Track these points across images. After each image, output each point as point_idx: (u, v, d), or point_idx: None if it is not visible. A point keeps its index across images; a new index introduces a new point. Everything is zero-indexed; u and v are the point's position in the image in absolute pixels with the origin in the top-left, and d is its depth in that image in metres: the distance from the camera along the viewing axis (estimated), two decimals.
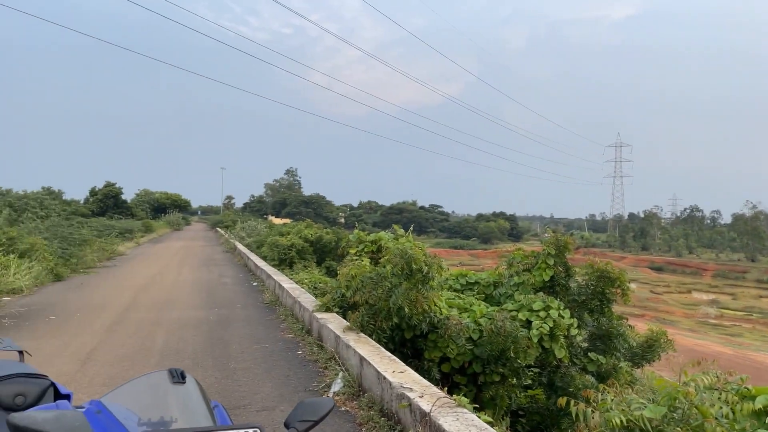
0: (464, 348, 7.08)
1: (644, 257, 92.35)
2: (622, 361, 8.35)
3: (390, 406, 4.83)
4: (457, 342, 7.01)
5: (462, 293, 8.98)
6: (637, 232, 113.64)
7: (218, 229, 56.66)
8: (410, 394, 4.45)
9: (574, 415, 2.94)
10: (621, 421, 2.58)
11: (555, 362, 7.69)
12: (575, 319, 7.35)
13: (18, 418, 1.43)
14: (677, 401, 2.67)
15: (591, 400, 2.93)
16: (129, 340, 8.26)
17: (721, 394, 3.27)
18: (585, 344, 8.27)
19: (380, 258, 8.65)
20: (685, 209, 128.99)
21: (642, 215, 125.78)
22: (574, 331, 7.29)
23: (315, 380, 6.27)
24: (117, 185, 65.89)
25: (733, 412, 3.21)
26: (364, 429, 4.79)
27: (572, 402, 3.06)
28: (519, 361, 6.96)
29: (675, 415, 2.60)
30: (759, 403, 3.32)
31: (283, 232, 24.15)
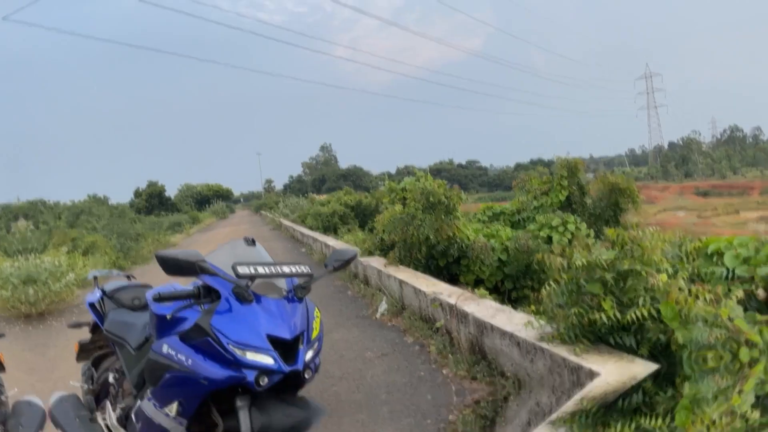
0: (493, 268, 7.90)
1: (688, 184, 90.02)
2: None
3: (427, 312, 5.72)
4: (486, 263, 7.83)
5: (490, 224, 9.76)
6: (678, 160, 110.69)
7: (262, 212, 58.61)
8: (440, 297, 5.32)
9: (547, 264, 3.74)
10: (582, 263, 3.36)
11: None
12: (592, 230, 8.06)
13: (162, 251, 2.31)
14: (628, 245, 3.43)
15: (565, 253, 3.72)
16: None
17: (677, 244, 4.01)
18: None
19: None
20: (725, 130, 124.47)
21: (681, 143, 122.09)
22: (591, 241, 7.98)
23: (364, 310, 7.22)
24: (159, 183, 68.40)
25: (687, 257, 3.95)
26: (407, 334, 5.72)
27: (545, 255, 3.86)
28: (544, 273, 7.73)
29: (625, 253, 3.37)
30: (710, 249, 4.05)
31: (323, 202, 25.26)
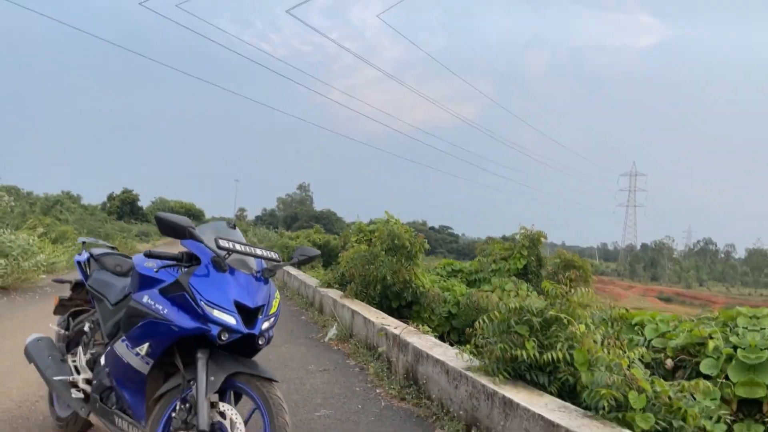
0: (443, 318, 8.26)
1: (653, 287, 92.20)
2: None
3: (372, 341, 6.03)
4: (436, 312, 8.19)
5: (447, 279, 10.17)
6: (647, 262, 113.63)
7: None
8: (387, 328, 5.66)
9: (484, 304, 4.16)
10: (515, 306, 3.76)
11: None
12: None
13: (161, 213, 2.65)
14: (559, 299, 3.86)
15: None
16: None
17: (607, 311, 4.45)
18: None
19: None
20: (698, 241, 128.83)
21: (654, 246, 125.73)
22: (526, 293, 8.46)
23: (314, 333, 7.48)
24: (134, 192, 67.72)
25: (612, 323, 4.39)
26: (350, 357, 6.00)
27: (485, 295, 4.27)
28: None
29: (555, 305, 3.79)
30: (635, 320, 4.51)
31: (292, 236, 25.47)
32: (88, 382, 3.21)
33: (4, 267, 9.56)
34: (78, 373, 3.28)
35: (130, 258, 3.78)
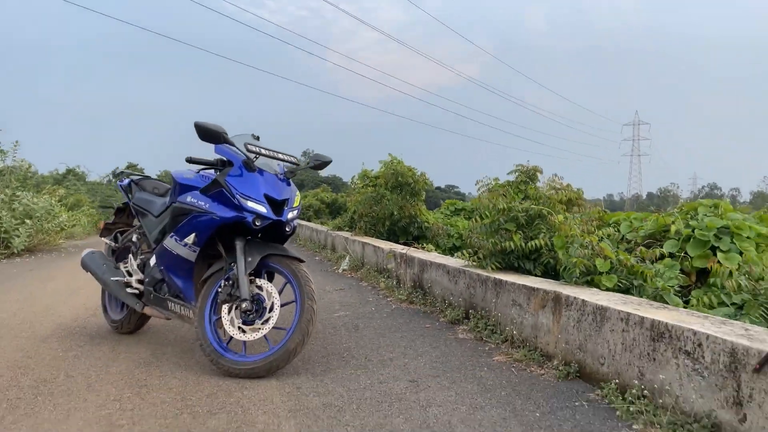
0: (447, 249, 8.82)
1: None
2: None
3: (382, 265, 6.60)
4: (441, 245, 8.75)
5: (451, 217, 10.72)
6: (653, 211, 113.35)
7: None
8: (395, 249, 6.22)
9: (478, 204, 4.70)
10: (503, 207, 4.30)
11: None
12: None
13: (199, 121, 3.17)
14: (542, 199, 4.40)
15: None
16: None
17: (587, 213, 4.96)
18: None
19: None
20: (703, 187, 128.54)
21: (659, 194, 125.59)
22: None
23: (328, 267, 8.07)
24: (139, 166, 68.00)
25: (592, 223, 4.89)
26: (363, 280, 6.59)
27: (480, 197, 4.81)
28: None
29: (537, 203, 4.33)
30: (612, 220, 5.03)
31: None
32: (140, 282, 3.79)
33: (30, 228, 10.16)
34: (131, 275, 3.86)
35: (164, 182, 4.34)
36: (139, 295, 3.78)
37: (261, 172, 3.26)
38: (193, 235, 3.23)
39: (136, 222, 4.46)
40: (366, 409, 2.57)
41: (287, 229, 3.31)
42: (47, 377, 3.08)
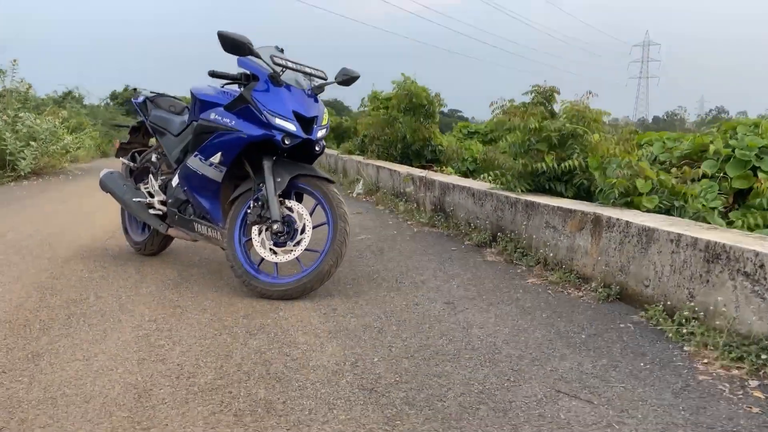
0: (462, 173, 8.68)
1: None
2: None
3: (398, 189, 6.49)
4: (455, 168, 8.60)
5: (464, 140, 10.51)
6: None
7: None
8: (413, 173, 6.08)
9: (509, 125, 4.54)
10: (535, 126, 4.12)
11: None
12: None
13: (223, 30, 2.96)
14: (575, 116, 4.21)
15: None
16: None
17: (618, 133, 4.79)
18: None
19: None
20: (710, 110, 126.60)
21: (666, 118, 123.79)
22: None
23: (341, 192, 7.96)
24: (137, 89, 66.65)
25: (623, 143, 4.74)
26: (380, 204, 6.51)
27: (508, 116, 4.64)
28: None
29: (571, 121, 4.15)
30: (644, 140, 4.86)
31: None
32: (162, 203, 3.69)
33: (35, 150, 9.98)
34: (152, 196, 3.75)
35: (181, 100, 4.15)
36: (162, 216, 3.69)
37: (288, 87, 3.07)
38: (219, 155, 3.08)
39: (153, 141, 4.31)
40: (407, 330, 2.52)
41: (317, 149, 3.16)
42: (76, 298, 3.03)
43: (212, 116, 3.12)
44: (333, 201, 3.02)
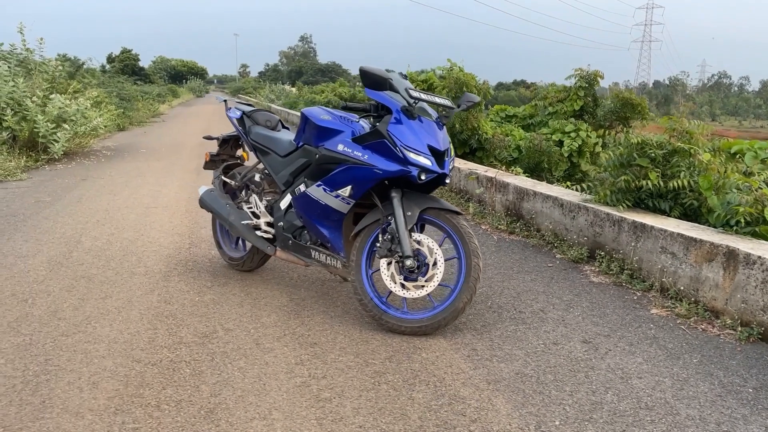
0: (507, 162, 8.60)
1: (663, 126, 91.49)
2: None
3: (459, 185, 6.42)
4: (500, 157, 8.52)
5: (502, 125, 10.38)
6: (660, 99, 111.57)
7: (241, 95, 57.65)
8: (476, 171, 6.01)
9: (610, 140, 4.45)
10: (637, 141, 4.04)
11: (580, 175, 9.24)
12: (600, 138, 8.78)
13: (365, 66, 2.87)
14: (678, 131, 4.12)
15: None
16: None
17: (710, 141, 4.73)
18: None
19: None
20: (712, 75, 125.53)
21: (668, 82, 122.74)
22: (598, 149, 8.75)
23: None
24: (133, 52, 65.61)
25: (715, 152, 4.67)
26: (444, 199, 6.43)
27: (613, 133, 4.56)
28: (552, 172, 8.50)
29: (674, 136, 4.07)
30: (734, 149, 4.78)
31: (315, 91, 25.22)
32: (268, 224, 3.63)
33: (69, 132, 9.83)
34: (257, 217, 3.69)
35: (273, 114, 4.05)
36: (268, 238, 3.64)
37: (420, 118, 2.98)
38: (348, 188, 3.02)
39: (242, 157, 4.22)
40: (567, 383, 2.51)
41: (446, 181, 3.09)
42: (204, 330, 3.01)
43: (340, 148, 3.04)
44: (464, 235, 2.96)
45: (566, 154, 8.43)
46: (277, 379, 2.51)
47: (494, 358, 2.73)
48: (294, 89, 35.32)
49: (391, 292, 3.04)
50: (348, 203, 3.07)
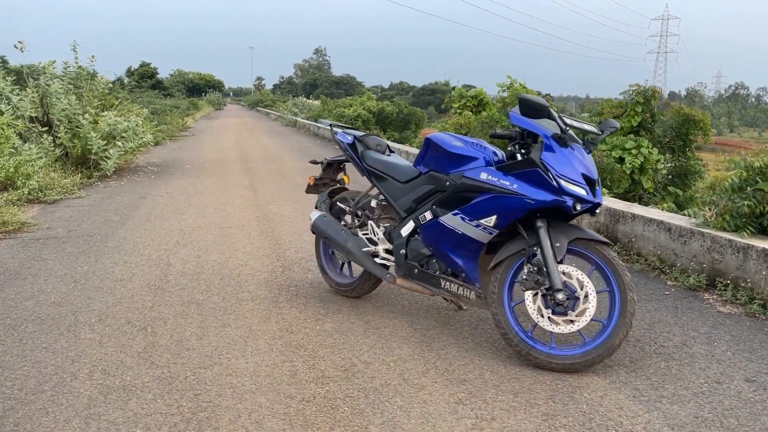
0: None
1: None
2: (697, 194, 9.69)
3: None
4: None
5: None
6: None
7: (259, 108, 58.01)
8: None
9: (731, 164, 4.30)
10: (760, 164, 3.91)
11: (641, 192, 9.09)
12: (662, 156, 8.63)
13: (524, 95, 2.79)
14: None
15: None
16: (271, 183, 9.86)
17: None
18: (665, 180, 9.61)
19: (480, 111, 9.88)
20: (729, 86, 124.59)
21: (685, 93, 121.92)
22: (660, 166, 8.61)
23: None
24: (152, 65, 66.40)
25: None
26: None
27: (733, 159, 4.40)
28: (613, 189, 8.35)
29: None
30: None
31: (343, 104, 25.25)
32: (387, 251, 3.54)
33: (120, 149, 9.87)
34: (374, 244, 3.60)
35: (382, 139, 3.98)
36: (386, 265, 3.54)
37: (572, 147, 2.89)
38: (493, 218, 2.90)
39: (342, 180, 4.15)
40: (752, 427, 2.37)
41: (597, 212, 2.98)
42: (343, 364, 2.90)
43: (483, 176, 2.94)
44: (617, 267, 2.84)
45: (628, 171, 8.29)
46: (445, 420, 2.40)
47: (663, 399, 2.59)
48: (317, 102, 35.45)
49: (536, 325, 2.93)
50: (490, 233, 2.96)
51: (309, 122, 24.77)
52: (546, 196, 2.77)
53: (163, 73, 75.48)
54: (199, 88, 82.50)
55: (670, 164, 9.52)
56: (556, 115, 2.86)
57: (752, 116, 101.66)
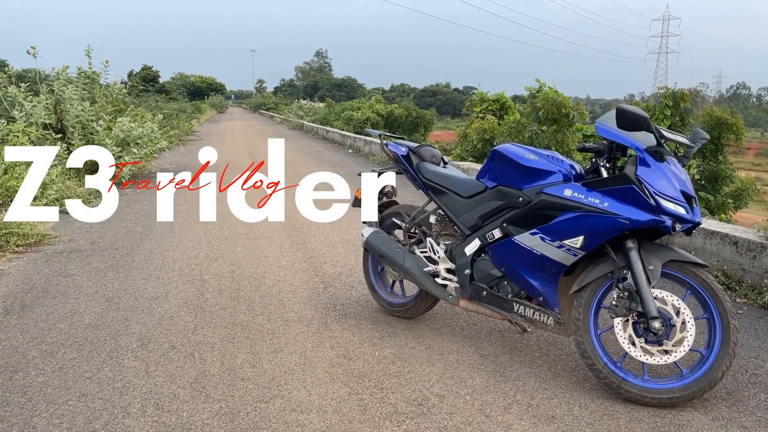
0: None
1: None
2: (729, 199, 9.45)
3: None
4: None
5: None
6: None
7: (262, 111, 57.86)
8: None
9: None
10: None
11: None
12: (693, 160, 8.39)
13: (623, 106, 2.56)
14: None
15: None
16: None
17: None
18: (696, 185, 9.36)
19: (503, 115, 9.66)
20: (731, 86, 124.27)
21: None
22: (693, 171, 8.37)
23: None
24: (153, 68, 66.25)
25: None
26: None
27: None
28: None
29: None
30: None
31: (351, 107, 25.02)
32: (448, 271, 3.30)
33: (136, 156, 9.65)
34: (433, 263, 3.36)
35: (436, 149, 3.74)
36: (446, 286, 3.30)
37: (669, 161, 2.65)
38: (580, 239, 2.66)
39: (389, 193, 3.90)
40: None
41: (694, 230, 2.74)
42: (413, 396, 2.66)
43: (568, 193, 2.70)
44: (716, 292, 2.60)
45: None
46: None
47: None
48: (322, 105, 35.19)
49: (626, 354, 2.69)
50: (575, 255, 2.72)
51: (316, 126, 24.57)
52: (642, 216, 2.53)
53: (164, 77, 75.41)
54: (201, 91, 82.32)
55: (700, 168, 9.28)
56: (654, 126, 2.62)
57: (754, 116, 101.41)
